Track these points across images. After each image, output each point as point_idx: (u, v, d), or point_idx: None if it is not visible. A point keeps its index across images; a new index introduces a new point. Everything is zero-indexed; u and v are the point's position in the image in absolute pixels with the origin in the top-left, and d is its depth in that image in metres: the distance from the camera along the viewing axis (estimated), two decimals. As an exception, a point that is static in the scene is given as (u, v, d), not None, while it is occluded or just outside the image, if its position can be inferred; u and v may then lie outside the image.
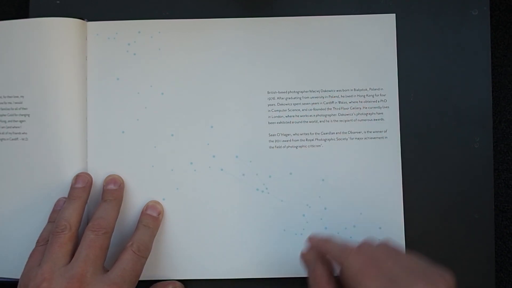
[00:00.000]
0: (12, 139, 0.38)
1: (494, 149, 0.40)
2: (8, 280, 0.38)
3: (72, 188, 0.36)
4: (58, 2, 0.39)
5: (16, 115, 0.38)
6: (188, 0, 0.40)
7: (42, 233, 0.36)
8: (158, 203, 0.38)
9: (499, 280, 0.40)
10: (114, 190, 0.37)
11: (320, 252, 0.33)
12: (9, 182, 0.38)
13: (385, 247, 0.30)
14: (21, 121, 0.38)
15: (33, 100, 0.38)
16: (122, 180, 0.38)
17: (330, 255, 0.32)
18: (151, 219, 0.37)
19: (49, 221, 0.36)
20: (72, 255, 0.33)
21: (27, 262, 0.34)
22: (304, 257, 0.34)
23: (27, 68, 0.38)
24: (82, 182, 0.37)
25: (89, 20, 0.39)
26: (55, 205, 0.37)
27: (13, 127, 0.38)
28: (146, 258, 0.35)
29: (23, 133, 0.38)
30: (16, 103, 0.38)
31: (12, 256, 0.38)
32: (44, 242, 0.35)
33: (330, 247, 0.32)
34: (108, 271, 0.33)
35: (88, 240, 0.33)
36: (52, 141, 0.37)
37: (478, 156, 0.39)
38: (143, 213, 0.37)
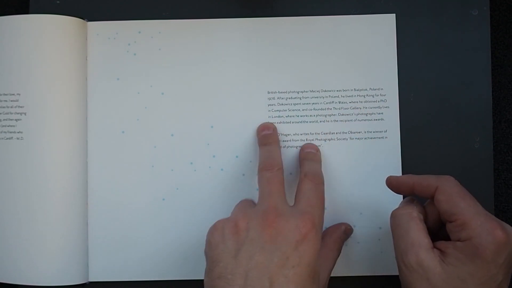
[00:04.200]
0: (7, 138, 0.38)
1: (494, 149, 0.40)
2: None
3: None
4: (58, 2, 0.39)
5: (11, 113, 0.37)
6: (188, 0, 0.40)
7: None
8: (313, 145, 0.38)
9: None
10: (270, 134, 0.38)
11: (405, 190, 0.34)
12: (2, 184, 0.38)
13: None
14: (16, 120, 0.37)
15: (30, 98, 0.37)
16: (274, 125, 0.38)
17: (422, 184, 0.32)
18: (311, 154, 0.37)
19: None
20: (253, 203, 0.34)
21: (211, 227, 0.33)
22: (399, 211, 0.33)
23: (25, 65, 0.37)
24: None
25: (89, 20, 0.39)
26: None
27: (8, 126, 0.38)
28: (323, 184, 0.34)
29: (18, 132, 0.37)
30: (12, 100, 0.37)
31: (6, 259, 0.38)
32: None
33: (420, 178, 0.33)
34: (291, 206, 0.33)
35: (265, 178, 0.33)
36: (49, 141, 0.37)
37: (478, 156, 0.39)
38: (302, 151, 0.38)
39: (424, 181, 0.32)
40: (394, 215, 0.33)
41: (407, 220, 0.32)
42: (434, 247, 0.31)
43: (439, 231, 0.33)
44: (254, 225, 0.31)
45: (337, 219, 0.38)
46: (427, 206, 0.33)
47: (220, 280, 0.30)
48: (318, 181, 0.34)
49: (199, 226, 0.39)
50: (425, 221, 0.32)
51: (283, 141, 0.39)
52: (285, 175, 0.38)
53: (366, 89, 0.39)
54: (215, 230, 0.32)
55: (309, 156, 0.37)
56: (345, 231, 0.37)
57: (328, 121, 0.39)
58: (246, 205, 0.34)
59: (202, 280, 0.38)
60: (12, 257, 0.37)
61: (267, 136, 0.38)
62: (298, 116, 0.39)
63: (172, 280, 0.39)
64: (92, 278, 0.39)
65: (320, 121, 0.39)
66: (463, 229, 0.30)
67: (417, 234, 0.31)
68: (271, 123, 0.39)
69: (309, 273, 0.30)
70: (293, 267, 0.29)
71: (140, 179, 0.39)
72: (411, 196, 0.34)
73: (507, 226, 0.30)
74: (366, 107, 0.39)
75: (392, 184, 0.35)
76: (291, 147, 0.39)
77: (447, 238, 0.32)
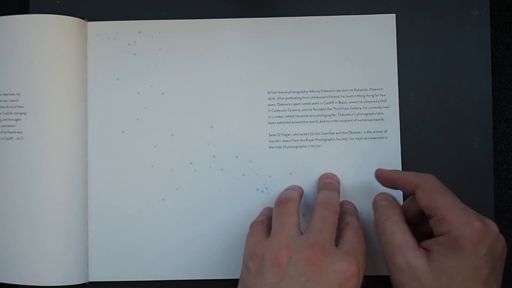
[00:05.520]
0: (7, 138, 0.38)
1: (494, 149, 0.40)
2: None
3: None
4: (58, 2, 0.39)
5: (11, 113, 0.37)
6: (188, 0, 0.40)
7: (258, 217, 0.36)
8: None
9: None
10: (333, 183, 0.37)
11: (390, 183, 0.35)
12: (2, 184, 0.38)
13: None
14: (16, 120, 0.37)
15: (30, 98, 0.37)
16: (337, 177, 0.38)
17: (404, 180, 0.34)
18: (350, 211, 0.37)
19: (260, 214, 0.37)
20: (299, 228, 0.33)
21: (249, 240, 0.33)
22: (377, 198, 0.35)
23: (25, 65, 0.37)
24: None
25: (89, 20, 0.39)
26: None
27: (7, 126, 0.37)
28: (364, 235, 0.34)
29: (18, 132, 0.37)
30: (12, 100, 0.37)
31: (6, 259, 0.38)
32: (261, 222, 0.35)
33: (403, 174, 0.34)
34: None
35: (321, 215, 0.33)
36: (49, 141, 0.37)
37: (478, 156, 0.39)
38: (342, 206, 0.37)
39: (406, 178, 0.34)
40: (378, 223, 0.33)
41: (391, 224, 0.32)
42: (420, 247, 0.32)
43: (421, 228, 0.34)
44: (297, 260, 0.30)
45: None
46: (407, 202, 0.35)
47: None
48: (360, 232, 0.34)
49: (199, 226, 0.39)
50: (406, 216, 0.34)
51: (283, 141, 0.39)
52: (284, 175, 0.39)
53: (366, 89, 0.39)
54: (255, 256, 0.31)
55: (348, 212, 0.37)
56: None
57: (328, 121, 0.39)
58: (291, 231, 0.32)
59: (202, 280, 0.39)
60: (12, 257, 0.37)
61: (330, 183, 0.37)
62: (298, 116, 0.39)
63: (172, 280, 0.39)
64: (92, 278, 0.39)
65: (320, 121, 0.39)
66: (442, 223, 0.31)
67: (402, 236, 0.32)
68: (335, 174, 0.38)
69: None
70: None
71: (140, 179, 0.39)
72: (394, 189, 0.35)
73: (486, 218, 0.31)
74: (366, 107, 0.39)
75: (379, 177, 0.36)
76: (291, 147, 0.39)
77: (430, 236, 0.32)
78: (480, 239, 0.30)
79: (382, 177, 0.36)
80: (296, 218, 0.33)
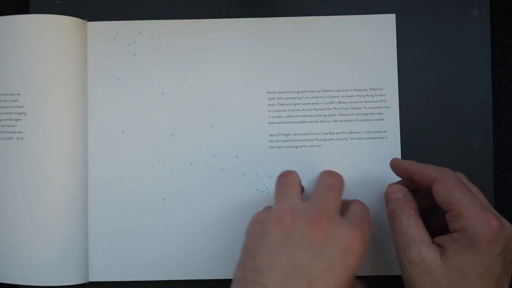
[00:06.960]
0: (7, 138, 0.38)
1: (494, 149, 0.40)
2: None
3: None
4: (58, 2, 0.39)
5: (11, 113, 0.37)
6: (188, 0, 0.40)
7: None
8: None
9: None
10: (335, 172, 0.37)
11: (406, 174, 0.35)
12: (2, 184, 0.38)
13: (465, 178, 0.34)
14: (16, 120, 0.37)
15: (30, 98, 0.37)
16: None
17: (421, 173, 0.33)
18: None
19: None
20: (301, 197, 0.32)
21: (253, 217, 0.32)
22: (391, 189, 0.35)
23: (25, 65, 0.37)
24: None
25: (89, 20, 0.39)
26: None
27: (7, 126, 0.38)
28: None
29: (18, 132, 0.37)
30: (12, 100, 0.37)
31: (6, 259, 0.38)
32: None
33: (421, 166, 0.33)
34: None
35: (326, 182, 0.33)
36: (49, 141, 0.37)
37: (478, 156, 0.39)
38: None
39: (424, 171, 0.33)
40: (393, 216, 0.33)
41: (407, 218, 0.32)
42: (433, 242, 0.31)
43: (432, 223, 0.34)
44: (301, 224, 0.30)
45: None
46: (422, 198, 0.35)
47: (254, 273, 0.28)
48: (367, 208, 0.34)
49: (199, 226, 0.39)
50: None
51: (283, 141, 0.39)
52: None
53: (366, 89, 0.39)
54: (257, 222, 0.31)
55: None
56: None
57: (328, 121, 0.39)
58: (294, 199, 0.32)
59: (202, 280, 0.39)
60: (12, 257, 0.37)
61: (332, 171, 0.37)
62: (298, 116, 0.39)
63: (172, 280, 0.39)
64: (92, 278, 0.39)
65: (320, 121, 0.39)
66: (459, 219, 0.30)
67: (417, 230, 0.32)
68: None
69: (346, 287, 0.29)
70: (335, 276, 0.28)
71: (140, 179, 0.39)
72: (408, 181, 0.35)
73: (502, 217, 0.31)
74: (366, 107, 0.39)
75: (395, 166, 0.36)
76: (291, 147, 0.39)
77: (441, 232, 0.32)
78: (495, 238, 0.29)
79: (398, 167, 0.36)
80: (298, 188, 0.33)
